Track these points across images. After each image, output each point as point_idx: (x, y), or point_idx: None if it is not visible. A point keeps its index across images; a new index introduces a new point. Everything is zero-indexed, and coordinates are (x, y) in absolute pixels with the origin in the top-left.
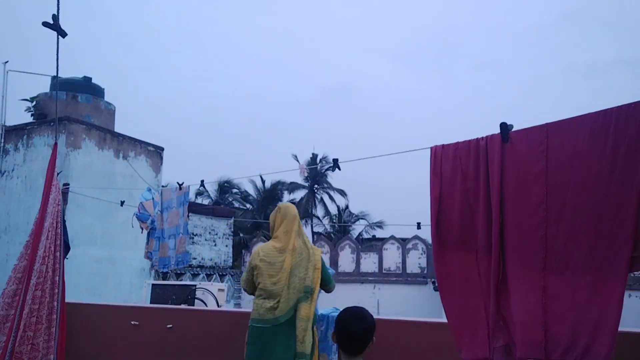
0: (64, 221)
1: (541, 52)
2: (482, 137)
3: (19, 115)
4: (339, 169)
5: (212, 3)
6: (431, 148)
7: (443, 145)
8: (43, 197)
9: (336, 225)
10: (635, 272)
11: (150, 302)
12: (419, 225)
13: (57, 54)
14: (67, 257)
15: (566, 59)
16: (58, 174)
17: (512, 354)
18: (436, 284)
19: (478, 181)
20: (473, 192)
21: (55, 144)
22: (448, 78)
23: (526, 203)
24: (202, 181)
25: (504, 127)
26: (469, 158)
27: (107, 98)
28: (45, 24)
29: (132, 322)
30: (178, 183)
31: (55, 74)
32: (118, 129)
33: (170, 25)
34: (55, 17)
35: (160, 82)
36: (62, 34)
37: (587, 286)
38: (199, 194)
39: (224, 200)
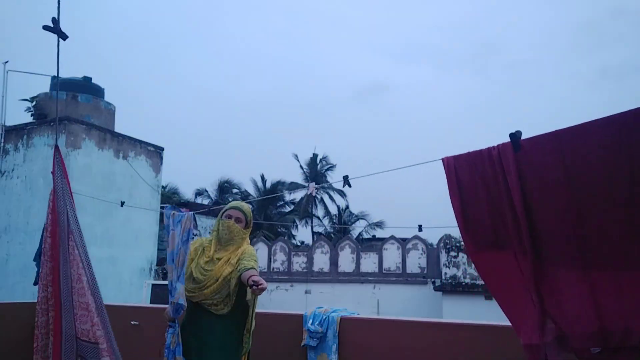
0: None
1: (580, 51)
2: (493, 147)
3: (19, 115)
4: (349, 185)
5: (216, 2)
6: (442, 160)
7: (454, 157)
8: (70, 201)
9: (336, 226)
10: None
11: (150, 302)
12: (420, 228)
13: (58, 57)
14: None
15: (603, 59)
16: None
17: (564, 345)
18: (436, 284)
19: (499, 188)
20: (497, 198)
21: (56, 145)
22: (483, 78)
23: (553, 207)
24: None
25: (514, 136)
26: (484, 167)
27: (107, 98)
28: (45, 27)
29: (132, 322)
30: (180, 208)
31: (54, 75)
32: (118, 129)
33: (171, 25)
34: (56, 20)
35: (160, 82)
36: (62, 36)
37: (630, 281)
38: (198, 193)
39: (224, 200)
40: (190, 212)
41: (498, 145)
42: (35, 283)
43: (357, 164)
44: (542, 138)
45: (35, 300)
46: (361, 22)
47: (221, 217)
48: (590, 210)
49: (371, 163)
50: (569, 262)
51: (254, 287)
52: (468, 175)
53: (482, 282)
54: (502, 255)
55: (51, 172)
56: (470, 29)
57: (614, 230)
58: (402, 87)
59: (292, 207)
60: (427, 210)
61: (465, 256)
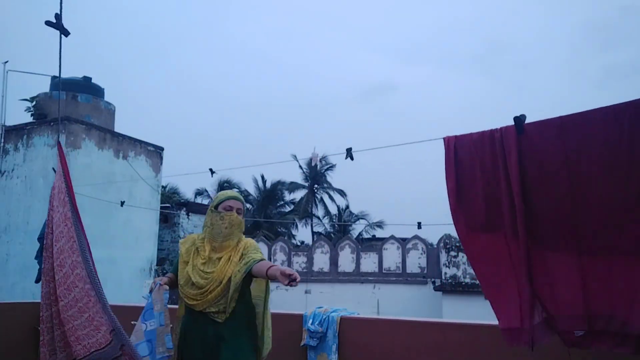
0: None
1: (587, 50)
2: (497, 129)
3: (19, 115)
4: (352, 159)
5: (218, 2)
6: (444, 138)
7: (456, 136)
8: (72, 198)
9: (336, 225)
10: None
11: None
12: (419, 225)
13: (60, 54)
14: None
15: (609, 58)
16: (55, 170)
17: (552, 327)
18: (436, 284)
19: (497, 171)
20: (494, 180)
21: (59, 142)
22: (490, 77)
23: (552, 193)
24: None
25: (518, 120)
26: (484, 149)
27: (107, 98)
28: (48, 22)
29: (132, 322)
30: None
31: (55, 74)
32: (118, 129)
33: (173, 24)
34: (58, 16)
35: (160, 82)
36: (65, 33)
37: (621, 267)
38: (198, 193)
39: None
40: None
41: (501, 128)
42: (37, 280)
43: (358, 164)
44: (545, 123)
45: (35, 300)
46: (364, 22)
47: (215, 209)
48: (589, 197)
49: (372, 163)
50: (564, 247)
51: (293, 282)
52: (467, 156)
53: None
54: (492, 238)
55: (52, 169)
56: (477, 28)
57: (609, 216)
58: (408, 87)
59: (292, 207)
60: (427, 210)
61: (465, 256)
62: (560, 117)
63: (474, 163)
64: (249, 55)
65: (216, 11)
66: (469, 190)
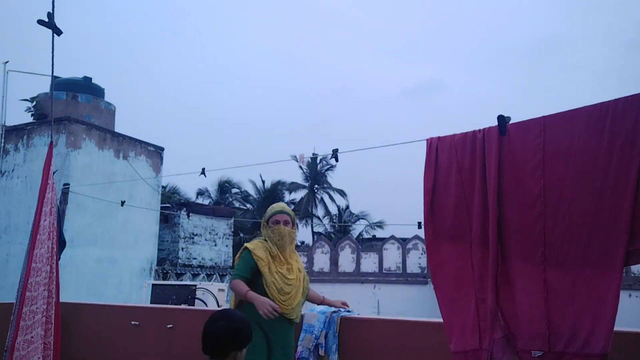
0: (59, 219)
1: (636, 48)
2: (480, 130)
3: (19, 115)
4: (337, 160)
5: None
6: (427, 140)
7: (439, 137)
8: (39, 197)
9: (336, 225)
10: (635, 272)
11: (150, 302)
12: (420, 225)
13: (53, 52)
14: (60, 256)
15: None
16: (54, 172)
17: (511, 345)
18: None
19: (474, 173)
20: (468, 184)
21: (51, 142)
22: (540, 77)
23: (524, 196)
24: (203, 169)
25: (502, 119)
26: (465, 150)
27: (107, 98)
28: (40, 21)
29: (132, 322)
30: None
31: (52, 73)
32: (118, 129)
33: (174, 24)
34: (51, 15)
35: (160, 82)
36: (57, 32)
37: (586, 280)
38: (199, 193)
39: (224, 200)
40: None
41: (484, 129)
42: None
43: (360, 164)
44: (528, 123)
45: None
46: (363, 21)
47: (267, 224)
48: (559, 201)
49: (373, 162)
50: (529, 256)
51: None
52: (446, 158)
53: None
54: (457, 249)
55: (53, 172)
56: (525, 28)
57: (579, 225)
58: (455, 85)
59: (293, 207)
60: None
61: None
62: (544, 117)
63: (451, 166)
64: (249, 56)
65: (219, 11)
66: (442, 195)
